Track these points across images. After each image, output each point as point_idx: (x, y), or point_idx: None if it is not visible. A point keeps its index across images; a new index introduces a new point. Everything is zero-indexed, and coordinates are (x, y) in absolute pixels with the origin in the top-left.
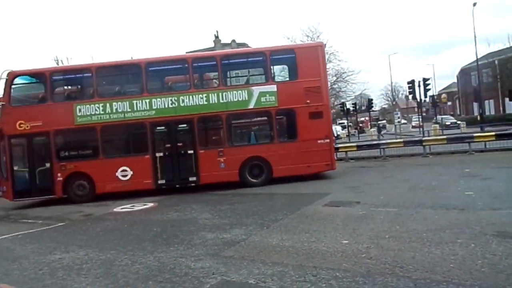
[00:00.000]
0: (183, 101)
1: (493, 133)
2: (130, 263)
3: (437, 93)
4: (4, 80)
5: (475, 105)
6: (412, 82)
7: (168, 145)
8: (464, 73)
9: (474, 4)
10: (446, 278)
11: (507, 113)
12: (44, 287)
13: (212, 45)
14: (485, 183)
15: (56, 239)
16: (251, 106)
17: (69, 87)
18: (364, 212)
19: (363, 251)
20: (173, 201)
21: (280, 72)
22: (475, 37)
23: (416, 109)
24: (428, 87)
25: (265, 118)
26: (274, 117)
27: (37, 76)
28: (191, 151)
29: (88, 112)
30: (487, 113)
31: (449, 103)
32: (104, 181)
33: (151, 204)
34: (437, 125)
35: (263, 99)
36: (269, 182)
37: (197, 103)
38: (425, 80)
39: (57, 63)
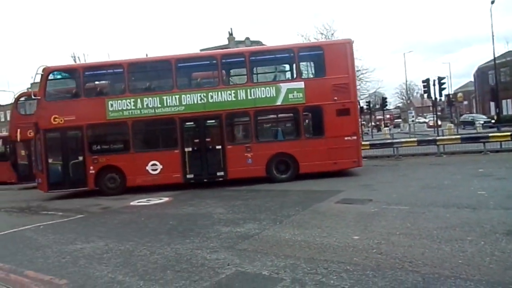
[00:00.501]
0: (211, 97)
1: (509, 133)
2: (149, 254)
3: (453, 92)
4: (40, 75)
5: (492, 104)
6: (427, 81)
7: (197, 140)
8: (481, 72)
9: (492, 2)
10: (454, 274)
11: None
12: (67, 274)
13: (226, 42)
14: (499, 183)
15: (76, 230)
16: (279, 102)
17: (102, 82)
18: (376, 209)
19: (374, 247)
20: (188, 196)
21: (307, 68)
22: (492, 35)
23: (431, 108)
24: (443, 86)
25: (293, 114)
26: (302, 114)
27: (71, 71)
28: (219, 147)
29: (120, 107)
30: (504, 112)
31: (465, 102)
32: (134, 175)
33: (166, 199)
34: (452, 125)
35: (290, 95)
36: (295, 178)
37: (226, 99)
38: (440, 79)
39: (74, 60)
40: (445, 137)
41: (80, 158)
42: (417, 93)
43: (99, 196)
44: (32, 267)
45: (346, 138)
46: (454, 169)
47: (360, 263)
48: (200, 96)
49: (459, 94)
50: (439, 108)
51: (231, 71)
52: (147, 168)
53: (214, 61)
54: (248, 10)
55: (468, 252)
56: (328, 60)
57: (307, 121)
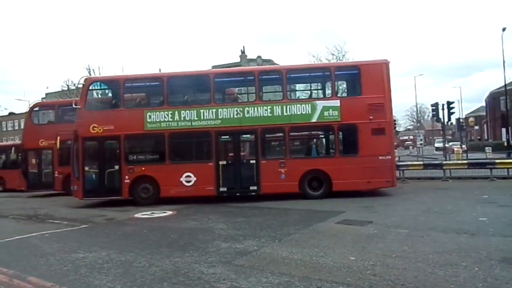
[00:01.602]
0: (248, 112)
1: None
2: (148, 265)
3: (464, 117)
4: (81, 85)
5: (504, 130)
6: (436, 105)
7: (231, 154)
8: (493, 97)
9: (504, 29)
10: None
11: None
12: (68, 282)
13: (238, 60)
14: (501, 210)
15: (80, 239)
16: (314, 120)
17: (141, 94)
18: (375, 231)
19: (369, 268)
20: (192, 211)
21: (344, 87)
22: (504, 61)
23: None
24: (452, 110)
25: (327, 132)
26: (336, 132)
27: (112, 83)
28: (253, 161)
29: (158, 119)
30: None
31: (477, 127)
32: (168, 185)
33: (170, 212)
34: (460, 149)
35: (326, 113)
36: (327, 195)
37: (262, 115)
38: (449, 103)
39: (89, 72)
40: (451, 162)
41: (116, 167)
42: (427, 116)
43: (132, 205)
44: (35, 273)
45: (380, 158)
46: (458, 194)
47: (353, 283)
48: (236, 110)
49: (470, 119)
50: (449, 132)
51: (268, 87)
52: (181, 179)
53: (252, 77)
54: (260, 29)
55: (461, 277)
56: (364, 79)
57: (341, 139)
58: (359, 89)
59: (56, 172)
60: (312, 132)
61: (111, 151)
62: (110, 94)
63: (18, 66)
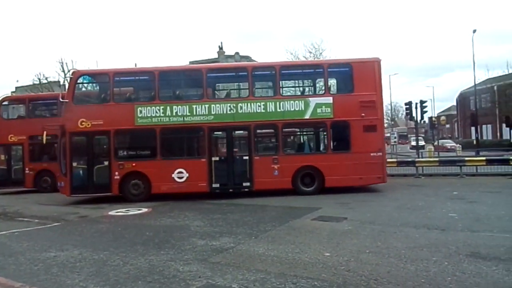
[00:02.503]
0: (241, 108)
1: (484, 158)
2: (122, 264)
3: (436, 115)
4: (69, 78)
5: (473, 129)
6: (409, 104)
7: (224, 150)
8: (463, 97)
9: (474, 31)
10: None
11: (504, 139)
12: (38, 282)
13: (216, 56)
14: (470, 206)
15: (51, 238)
16: (307, 116)
17: (131, 88)
18: (350, 227)
19: (343, 264)
20: (168, 208)
21: (336, 84)
22: (474, 62)
23: (413, 130)
24: (425, 109)
25: (320, 128)
26: (329, 128)
27: (101, 76)
28: (246, 157)
29: (149, 114)
30: (484, 137)
31: (448, 125)
32: (160, 182)
33: (145, 210)
34: (432, 147)
35: (319, 110)
36: (320, 191)
37: (255, 111)
38: (422, 102)
39: (62, 65)
40: (423, 159)
41: (106, 163)
42: (401, 114)
43: (121, 202)
44: (3, 273)
45: (372, 154)
46: (430, 191)
47: (327, 279)
48: (229, 106)
49: (442, 118)
50: (422, 130)
51: (261, 83)
52: (173, 175)
53: (245, 73)
54: (237, 26)
55: (432, 272)
56: (356, 77)
57: (334, 135)
58: (351, 87)
59: (26, 169)
60: (305, 129)
61: (100, 146)
62: (98, 88)
63: None
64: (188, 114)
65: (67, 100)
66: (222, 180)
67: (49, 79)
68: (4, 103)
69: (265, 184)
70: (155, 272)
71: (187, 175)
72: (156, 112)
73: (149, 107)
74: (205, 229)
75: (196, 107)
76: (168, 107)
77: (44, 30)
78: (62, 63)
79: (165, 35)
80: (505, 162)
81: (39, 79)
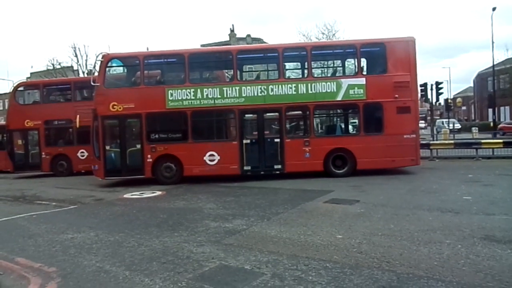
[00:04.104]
0: (272, 90)
1: (501, 141)
2: (137, 245)
3: (452, 97)
4: (99, 62)
5: (490, 111)
6: (424, 85)
7: (255, 133)
8: (481, 78)
9: (494, 9)
10: (428, 274)
11: None
12: (57, 262)
13: (227, 38)
14: (485, 189)
15: (68, 220)
16: (339, 98)
17: (162, 71)
18: (362, 210)
19: (355, 246)
20: (181, 191)
21: (368, 65)
22: (492, 42)
23: (429, 112)
24: (440, 91)
25: (352, 110)
26: (361, 110)
27: (131, 59)
28: (277, 140)
29: (180, 96)
30: (501, 119)
31: (464, 107)
32: (192, 164)
33: (159, 193)
34: (447, 129)
35: (351, 91)
36: (352, 173)
37: (286, 93)
38: (437, 83)
39: (74, 50)
40: (438, 142)
41: (138, 146)
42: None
43: (136, 185)
44: (23, 254)
45: (405, 136)
46: (444, 174)
47: (339, 261)
48: (260, 88)
49: (458, 99)
50: (437, 113)
51: (292, 64)
52: (204, 158)
53: (276, 54)
54: (248, 9)
55: (445, 254)
56: (390, 57)
57: (366, 117)
58: (384, 67)
59: (43, 153)
60: (337, 110)
61: (132, 129)
62: (129, 71)
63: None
64: (218, 96)
65: (98, 84)
66: (253, 163)
67: (62, 64)
68: (20, 88)
69: (296, 167)
70: (169, 253)
71: (219, 157)
72: (187, 95)
73: (179, 90)
74: (218, 212)
75: (226, 90)
76: (198, 90)
77: (57, 16)
78: (74, 48)
79: (175, 18)
80: None
81: (52, 64)
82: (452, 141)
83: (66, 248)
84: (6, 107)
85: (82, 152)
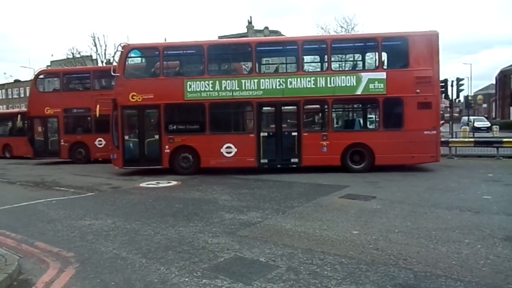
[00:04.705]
0: (290, 83)
1: None
2: (153, 234)
3: (472, 94)
4: (120, 52)
5: (511, 109)
6: (444, 81)
7: (273, 125)
8: (504, 75)
9: None
10: (446, 273)
11: None
12: (75, 248)
13: (245, 30)
14: (506, 189)
15: (86, 207)
16: (359, 92)
17: (181, 62)
18: (379, 206)
19: (371, 242)
20: (196, 182)
21: (390, 59)
22: None
23: (448, 109)
24: (461, 88)
25: (372, 105)
26: (381, 105)
27: (151, 50)
28: (295, 133)
29: (198, 88)
30: None
31: (485, 105)
32: (209, 156)
33: (175, 183)
34: (466, 127)
35: (371, 85)
36: (371, 169)
37: (305, 86)
38: (458, 80)
39: (94, 40)
40: (457, 139)
41: (156, 136)
42: None
43: (151, 175)
44: (42, 239)
45: (425, 132)
46: (464, 172)
47: (355, 256)
48: (279, 81)
49: (479, 97)
50: (456, 110)
51: (311, 57)
52: (221, 150)
53: (295, 47)
54: (265, 1)
55: (463, 254)
56: (412, 51)
57: (386, 112)
58: (406, 61)
59: (62, 140)
60: (356, 105)
61: (151, 120)
62: (148, 62)
63: (23, 34)
64: (237, 89)
65: (118, 74)
66: (270, 156)
67: (82, 54)
68: (40, 76)
69: (313, 161)
70: (185, 243)
71: (236, 150)
72: (205, 86)
73: (198, 82)
74: (232, 203)
75: (245, 82)
76: (217, 82)
77: (78, 5)
78: (94, 37)
79: (194, 10)
80: None
81: (72, 53)
82: (472, 139)
83: (84, 234)
84: (28, 94)
85: (100, 140)
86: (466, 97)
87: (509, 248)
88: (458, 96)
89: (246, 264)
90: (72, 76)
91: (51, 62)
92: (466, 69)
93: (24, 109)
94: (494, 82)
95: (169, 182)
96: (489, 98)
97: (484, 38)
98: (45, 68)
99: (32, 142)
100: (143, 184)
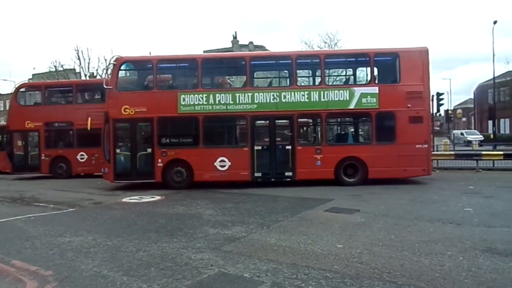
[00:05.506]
0: (284, 97)
1: (501, 152)
2: (135, 250)
3: (452, 108)
4: (112, 65)
5: (490, 122)
6: None
7: (267, 139)
8: (481, 89)
9: (495, 22)
10: (430, 286)
11: None
12: (53, 266)
13: (230, 45)
14: (486, 201)
15: (66, 223)
16: (352, 106)
17: (175, 75)
18: (363, 220)
19: (355, 256)
20: (180, 196)
21: (381, 74)
22: (493, 54)
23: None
24: (441, 102)
25: (364, 119)
26: (374, 119)
27: (145, 63)
28: (289, 147)
29: (192, 101)
30: (501, 131)
31: (464, 119)
32: (202, 170)
33: (158, 197)
34: (447, 140)
35: (364, 100)
36: (363, 182)
37: (298, 100)
38: (438, 94)
39: (77, 53)
40: (438, 153)
41: (149, 150)
42: None
43: (135, 190)
44: (19, 257)
45: (417, 146)
46: (445, 185)
47: (340, 271)
48: (273, 95)
49: (458, 111)
50: (437, 123)
51: (305, 72)
52: (215, 164)
53: (289, 61)
54: (250, 16)
55: (446, 266)
56: (403, 66)
57: (378, 126)
58: (397, 76)
59: (42, 155)
60: (349, 119)
61: (143, 133)
62: (141, 75)
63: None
64: (231, 102)
65: (110, 87)
66: (264, 170)
67: (64, 67)
68: (21, 90)
69: (307, 174)
70: (168, 259)
71: (229, 163)
72: (199, 100)
73: (192, 95)
74: (217, 218)
75: (239, 96)
76: (211, 95)
77: (61, 18)
78: (77, 50)
79: (179, 24)
80: None
81: (55, 66)
82: (452, 152)
83: (64, 252)
84: (7, 107)
85: (82, 154)
86: (446, 111)
87: (490, 260)
88: (438, 110)
89: (230, 280)
90: (54, 89)
91: (33, 75)
92: (445, 84)
93: (3, 123)
94: (472, 96)
95: (152, 197)
96: (468, 112)
97: (461, 55)
98: (26, 82)
99: (11, 157)
100: (125, 199)
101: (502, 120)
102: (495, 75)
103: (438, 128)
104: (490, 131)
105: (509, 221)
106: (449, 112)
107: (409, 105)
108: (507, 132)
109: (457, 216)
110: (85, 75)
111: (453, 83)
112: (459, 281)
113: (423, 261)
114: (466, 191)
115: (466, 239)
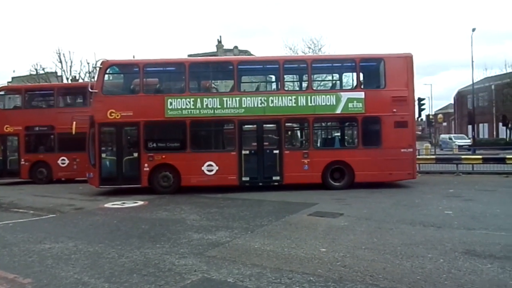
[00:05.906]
0: (272, 101)
1: (480, 157)
2: (117, 256)
3: (433, 113)
4: (98, 68)
5: (470, 127)
6: None
7: (254, 144)
8: (461, 95)
9: (473, 30)
10: None
11: (500, 138)
12: (33, 273)
13: (215, 49)
14: (466, 204)
15: (46, 229)
16: (338, 111)
17: (161, 79)
18: (346, 223)
19: (339, 259)
20: (164, 201)
21: (367, 79)
22: (472, 61)
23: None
24: (422, 107)
25: (351, 123)
26: (360, 123)
27: (131, 67)
28: (276, 151)
29: (179, 105)
30: (481, 136)
31: (445, 123)
32: (190, 174)
33: (141, 203)
34: (429, 145)
35: (350, 105)
36: (350, 186)
37: (286, 105)
38: (420, 99)
39: (59, 56)
40: (420, 157)
41: (135, 154)
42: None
43: (117, 195)
44: None
45: (402, 150)
46: (426, 188)
47: (323, 274)
48: (260, 99)
49: (439, 116)
50: (419, 128)
51: (292, 76)
52: (203, 168)
53: (276, 66)
54: (234, 21)
55: (427, 268)
56: (388, 72)
57: (365, 131)
58: (383, 82)
59: (22, 160)
60: (336, 123)
61: (130, 138)
62: (128, 79)
63: None
64: (218, 106)
65: (96, 90)
66: (252, 174)
67: (46, 70)
68: (0, 93)
69: (295, 178)
70: (150, 265)
71: (217, 168)
72: (186, 104)
73: (179, 99)
74: (201, 223)
75: (226, 100)
76: (198, 99)
77: (42, 20)
78: (59, 53)
79: (162, 27)
80: (501, 160)
81: (36, 69)
82: (433, 156)
83: (43, 259)
84: None
85: (63, 159)
86: (427, 116)
87: (469, 262)
88: (420, 115)
89: (213, 286)
90: (35, 92)
91: (13, 78)
92: (427, 89)
93: None
94: (452, 102)
95: (135, 202)
96: (448, 117)
97: (442, 61)
98: (6, 85)
99: None
100: (108, 205)
101: (481, 125)
102: (474, 81)
103: (419, 133)
104: (470, 135)
105: (487, 224)
106: (431, 117)
107: (394, 110)
108: (486, 136)
109: (438, 219)
110: (67, 79)
111: (434, 89)
112: (440, 283)
113: (405, 264)
114: (446, 194)
115: (447, 242)
